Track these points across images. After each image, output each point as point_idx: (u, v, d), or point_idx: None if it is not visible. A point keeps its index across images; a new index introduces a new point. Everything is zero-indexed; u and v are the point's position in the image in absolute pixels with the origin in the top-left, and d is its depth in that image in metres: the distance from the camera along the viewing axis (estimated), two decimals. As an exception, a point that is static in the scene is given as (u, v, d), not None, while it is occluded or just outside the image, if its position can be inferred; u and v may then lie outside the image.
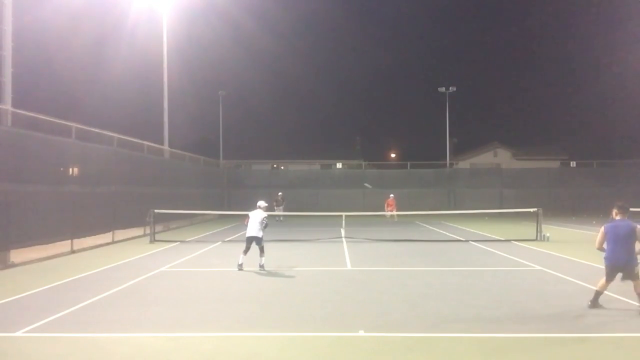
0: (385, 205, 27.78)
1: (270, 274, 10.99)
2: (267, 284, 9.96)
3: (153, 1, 24.41)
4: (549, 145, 51.96)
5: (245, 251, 11.42)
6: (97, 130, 16.91)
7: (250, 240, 11.41)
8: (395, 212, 26.72)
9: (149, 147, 21.78)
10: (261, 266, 11.32)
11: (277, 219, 27.42)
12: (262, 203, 11.99)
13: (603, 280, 7.78)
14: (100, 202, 16.64)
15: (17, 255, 12.40)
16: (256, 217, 11.49)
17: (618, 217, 7.74)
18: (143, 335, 6.57)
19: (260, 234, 11.40)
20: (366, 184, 28.46)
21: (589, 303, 7.81)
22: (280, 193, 28.74)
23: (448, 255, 13.95)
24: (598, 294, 7.79)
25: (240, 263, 11.30)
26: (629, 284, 7.80)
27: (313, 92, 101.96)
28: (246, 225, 11.60)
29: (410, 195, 32.46)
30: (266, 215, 11.69)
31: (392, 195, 28.27)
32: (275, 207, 27.44)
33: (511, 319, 7.29)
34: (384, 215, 27.34)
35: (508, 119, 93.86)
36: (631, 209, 7.92)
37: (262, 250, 11.41)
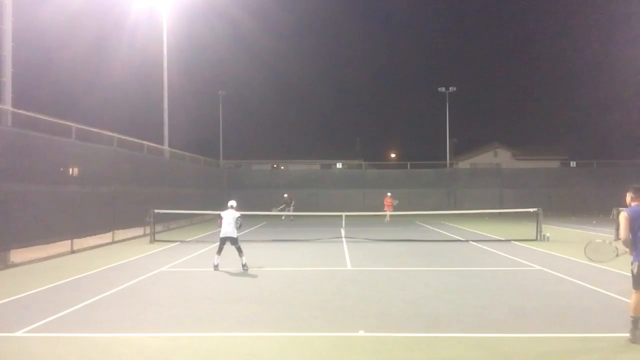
0: (384, 204, 27.67)
1: (271, 274, 10.98)
2: (267, 284, 9.96)
3: (153, 1, 24.42)
4: (549, 145, 51.97)
5: (219, 252, 11.41)
6: (97, 130, 16.91)
7: (224, 240, 11.37)
8: (388, 212, 26.44)
9: (149, 147, 21.77)
10: (244, 265, 11.29)
11: (283, 218, 27.72)
12: (233, 203, 11.91)
13: (634, 295, 6.12)
14: (100, 202, 16.65)
15: (17, 255, 12.41)
16: (229, 217, 11.43)
17: (635, 204, 6.23)
18: (143, 335, 6.57)
19: (235, 234, 11.37)
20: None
21: (629, 335, 6.09)
22: (285, 195, 28.95)
23: (448, 255, 13.95)
24: (636, 320, 6.08)
25: (216, 264, 11.30)
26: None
27: (313, 92, 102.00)
28: (219, 226, 11.55)
29: (410, 195, 32.49)
30: (239, 215, 11.62)
31: (389, 193, 28.21)
32: (285, 208, 27.77)
33: (511, 319, 7.28)
34: (383, 217, 27.12)
35: (508, 119, 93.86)
36: None
37: (240, 250, 11.39)
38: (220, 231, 11.51)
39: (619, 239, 6.19)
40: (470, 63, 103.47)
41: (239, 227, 11.50)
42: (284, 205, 28.05)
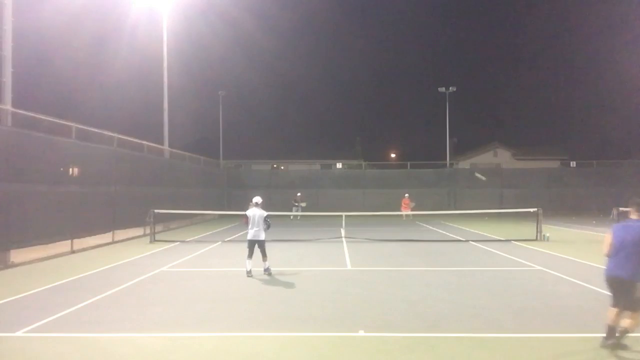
0: (402, 204, 28.25)
1: (270, 274, 10.96)
2: (267, 284, 9.96)
3: (153, 1, 24.42)
4: (549, 145, 52.02)
5: (250, 255, 10.74)
6: (97, 130, 16.90)
7: (252, 243, 10.74)
8: (410, 212, 27.00)
9: (149, 147, 21.77)
10: (266, 270, 10.81)
11: (292, 218, 28.14)
12: (258, 199, 11.05)
13: (611, 309, 5.99)
14: (100, 202, 16.65)
15: (17, 255, 12.40)
16: (257, 218, 10.77)
17: (634, 217, 6.02)
18: (143, 335, 6.57)
19: (263, 237, 10.79)
20: (478, 175, 30.00)
21: (604, 340, 5.94)
22: (299, 194, 29.93)
23: (448, 255, 13.95)
24: (610, 328, 5.92)
25: (248, 270, 10.64)
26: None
27: (313, 92, 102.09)
28: (246, 225, 10.95)
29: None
30: (267, 214, 10.94)
31: (407, 194, 28.72)
32: (296, 207, 28.70)
33: (511, 319, 7.28)
34: (401, 216, 27.68)
35: (508, 119, 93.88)
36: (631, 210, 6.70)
37: (264, 254, 10.82)
38: (247, 232, 10.91)
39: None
40: (470, 63, 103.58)
41: (267, 229, 10.82)
42: (293, 204, 28.67)
